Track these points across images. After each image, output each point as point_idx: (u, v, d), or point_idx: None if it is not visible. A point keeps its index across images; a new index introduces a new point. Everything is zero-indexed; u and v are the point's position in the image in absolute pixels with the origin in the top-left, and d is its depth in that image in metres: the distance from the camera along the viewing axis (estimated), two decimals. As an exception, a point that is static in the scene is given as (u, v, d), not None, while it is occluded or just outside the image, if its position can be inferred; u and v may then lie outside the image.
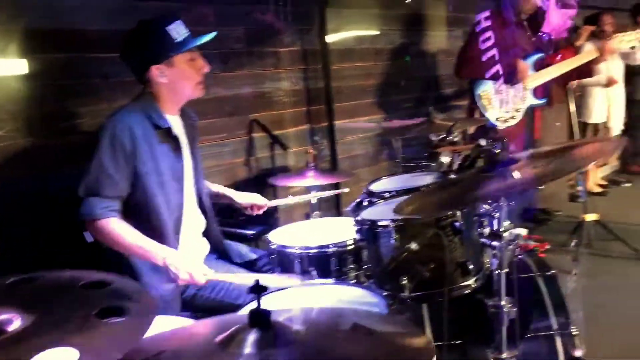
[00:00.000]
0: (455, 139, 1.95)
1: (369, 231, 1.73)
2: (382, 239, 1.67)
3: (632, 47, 3.90)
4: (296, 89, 3.25)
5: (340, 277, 2.08)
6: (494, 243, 1.37)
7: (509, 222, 1.43)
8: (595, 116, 4.86)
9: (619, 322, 2.69)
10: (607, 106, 4.90)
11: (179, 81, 1.89)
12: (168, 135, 1.93)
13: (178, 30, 1.85)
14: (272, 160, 3.10)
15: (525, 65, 3.32)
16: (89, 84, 2.31)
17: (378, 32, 3.74)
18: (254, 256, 2.28)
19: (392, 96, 3.86)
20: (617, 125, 5.04)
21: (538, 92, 3.47)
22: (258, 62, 3.03)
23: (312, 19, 3.29)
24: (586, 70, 3.71)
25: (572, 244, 3.81)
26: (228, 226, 2.61)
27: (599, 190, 5.50)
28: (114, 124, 1.82)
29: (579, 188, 4.00)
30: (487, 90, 3.27)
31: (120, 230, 1.80)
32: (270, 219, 2.92)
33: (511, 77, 3.32)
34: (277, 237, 2.24)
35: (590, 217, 3.88)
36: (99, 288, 0.97)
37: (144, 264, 1.87)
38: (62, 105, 2.25)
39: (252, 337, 0.95)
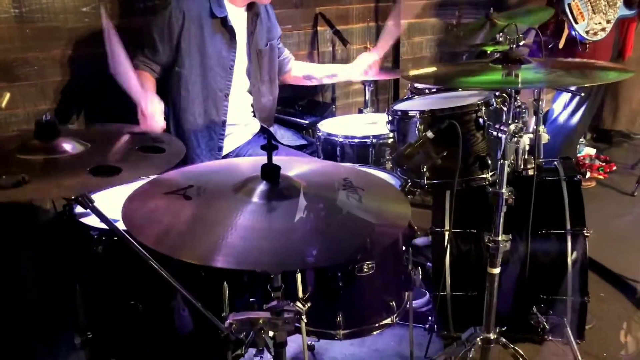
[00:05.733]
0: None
1: (400, 121, 1.85)
2: (410, 128, 1.80)
3: None
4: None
5: (377, 166, 2.27)
6: (500, 135, 1.46)
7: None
8: None
9: None
10: None
11: None
12: (223, 24, 2.08)
13: None
14: (332, 55, 3.19)
15: None
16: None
17: None
18: (303, 142, 2.50)
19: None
20: None
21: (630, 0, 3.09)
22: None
23: None
24: None
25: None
26: (286, 115, 2.81)
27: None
28: (173, 3, 2.01)
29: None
30: (576, -1, 2.97)
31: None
32: (327, 112, 3.08)
33: None
34: (326, 126, 2.42)
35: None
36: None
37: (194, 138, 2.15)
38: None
39: (261, 187, 1.14)
